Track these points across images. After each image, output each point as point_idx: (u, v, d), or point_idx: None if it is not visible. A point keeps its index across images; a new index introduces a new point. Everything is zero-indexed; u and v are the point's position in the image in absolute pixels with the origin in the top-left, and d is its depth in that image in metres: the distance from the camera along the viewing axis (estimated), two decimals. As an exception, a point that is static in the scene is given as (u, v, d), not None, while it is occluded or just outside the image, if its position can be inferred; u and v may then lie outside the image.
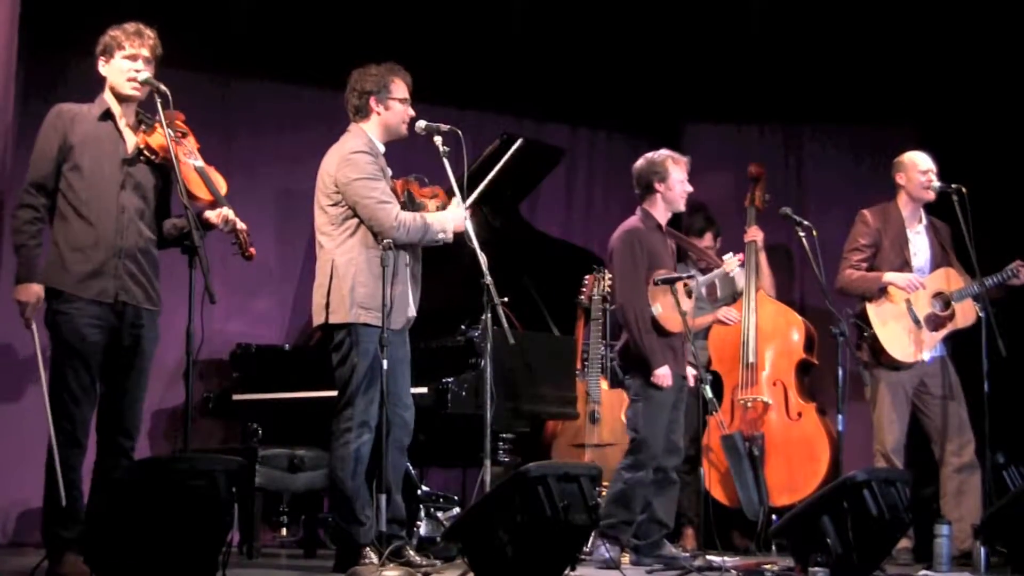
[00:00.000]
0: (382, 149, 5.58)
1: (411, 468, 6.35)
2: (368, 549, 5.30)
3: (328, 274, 5.42)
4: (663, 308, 6.05)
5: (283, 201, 7.62)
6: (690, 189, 6.28)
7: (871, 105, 8.03)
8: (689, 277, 6.40)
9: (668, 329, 6.07)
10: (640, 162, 6.27)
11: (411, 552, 5.44)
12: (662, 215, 6.25)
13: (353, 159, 5.43)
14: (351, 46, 7.33)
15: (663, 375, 5.99)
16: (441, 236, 5.45)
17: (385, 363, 5.19)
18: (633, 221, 6.23)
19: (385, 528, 5.22)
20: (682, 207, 6.34)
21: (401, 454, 5.53)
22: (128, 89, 4.93)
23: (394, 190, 5.54)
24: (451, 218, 5.48)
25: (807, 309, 7.75)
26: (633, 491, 6.00)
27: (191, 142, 5.04)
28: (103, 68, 4.96)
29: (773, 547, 6.41)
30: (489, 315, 5.31)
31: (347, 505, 5.35)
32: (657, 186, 6.19)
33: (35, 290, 4.78)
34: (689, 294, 6.24)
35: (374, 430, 5.34)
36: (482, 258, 5.27)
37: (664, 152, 6.27)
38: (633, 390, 6.09)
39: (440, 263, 5.80)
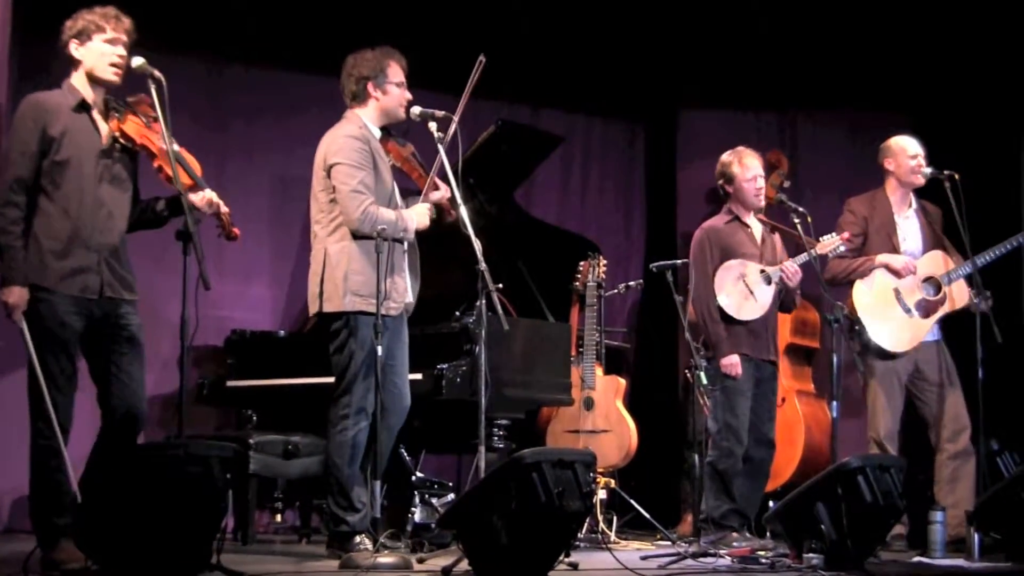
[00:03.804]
0: (378, 134, 5.58)
1: (405, 454, 6.37)
2: (363, 536, 5.31)
3: (321, 262, 5.45)
4: (729, 297, 6.28)
5: (278, 187, 7.61)
6: (762, 184, 6.50)
7: (865, 91, 8.03)
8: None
9: (738, 317, 6.29)
10: (717, 167, 6.53)
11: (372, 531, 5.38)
12: (741, 211, 6.49)
13: (342, 143, 5.45)
14: (345, 32, 7.30)
15: (729, 364, 6.25)
16: (403, 234, 5.43)
17: (380, 350, 5.20)
18: (712, 219, 6.56)
19: (379, 515, 5.24)
20: (756, 202, 6.50)
21: (390, 439, 5.53)
22: (109, 74, 4.88)
23: (396, 167, 5.58)
24: (414, 215, 5.50)
25: (804, 295, 7.75)
26: (730, 478, 6.23)
27: (162, 127, 4.97)
28: (77, 51, 4.88)
29: (767, 533, 6.42)
30: (484, 301, 5.31)
31: (343, 492, 5.36)
32: (728, 188, 6.48)
33: (22, 293, 4.72)
34: (768, 281, 6.34)
35: (371, 417, 5.36)
36: (477, 244, 5.26)
37: (733, 153, 6.49)
38: (711, 380, 6.23)
39: (435, 250, 5.79)
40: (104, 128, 4.92)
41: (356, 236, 5.39)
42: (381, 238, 5.25)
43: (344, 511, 5.38)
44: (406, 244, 5.50)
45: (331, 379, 5.48)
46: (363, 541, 5.28)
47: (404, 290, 5.49)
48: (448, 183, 5.46)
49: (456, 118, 5.55)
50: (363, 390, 5.36)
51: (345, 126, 5.53)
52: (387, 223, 5.35)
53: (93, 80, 4.91)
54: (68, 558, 4.66)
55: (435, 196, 5.62)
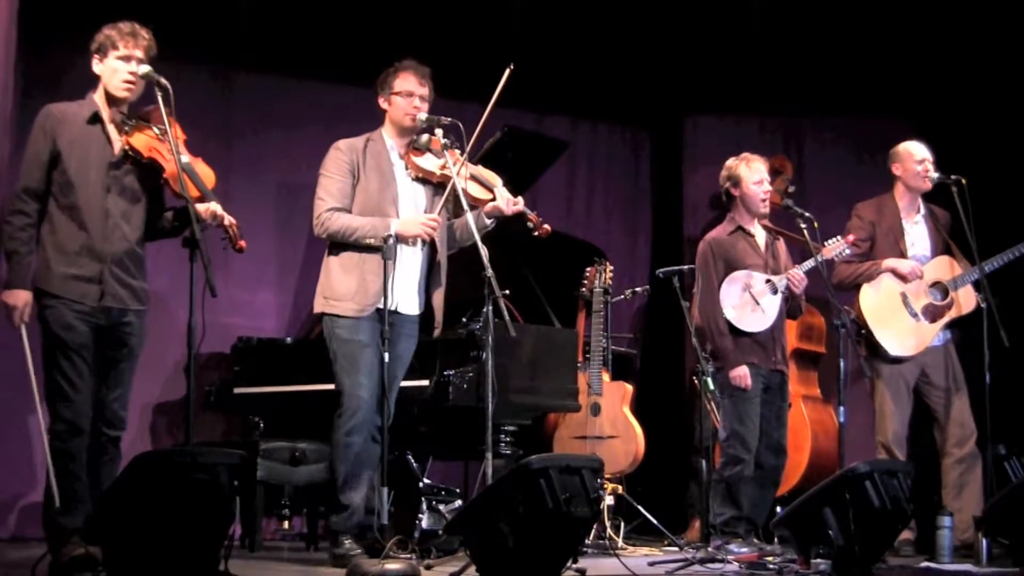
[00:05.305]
0: (392, 143, 5.62)
1: (412, 461, 6.37)
2: (348, 538, 5.36)
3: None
4: (736, 309, 6.25)
5: (284, 195, 7.62)
6: (768, 188, 6.43)
7: (870, 97, 8.03)
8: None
9: (745, 329, 6.26)
10: (722, 172, 6.45)
11: (380, 542, 5.34)
12: (745, 219, 6.43)
13: (326, 155, 5.57)
14: (353, 40, 7.34)
15: (738, 375, 6.20)
16: (370, 240, 5.40)
17: (387, 356, 5.24)
18: (715, 230, 6.49)
19: (387, 521, 5.25)
20: (761, 208, 6.42)
21: (372, 441, 5.55)
22: (120, 91, 4.94)
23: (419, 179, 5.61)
24: (394, 224, 5.45)
25: (810, 300, 7.75)
26: (736, 486, 6.18)
27: (177, 134, 4.99)
28: (97, 67, 4.97)
29: (775, 539, 6.41)
30: (490, 308, 5.32)
31: (333, 490, 5.44)
32: (734, 192, 6.41)
33: (24, 296, 4.80)
34: (774, 291, 6.31)
35: (366, 415, 5.40)
36: (483, 251, 5.28)
37: (739, 158, 6.44)
38: (719, 389, 6.26)
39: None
40: (117, 140, 4.96)
41: (333, 243, 5.50)
42: (388, 244, 5.29)
43: (333, 510, 5.46)
44: (394, 251, 5.42)
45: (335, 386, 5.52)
46: (343, 542, 5.36)
47: (375, 293, 5.43)
48: (455, 189, 5.47)
49: (480, 126, 5.55)
50: (351, 389, 5.41)
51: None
52: (346, 229, 5.42)
53: (109, 96, 4.96)
54: (73, 548, 4.69)
55: (489, 207, 5.61)
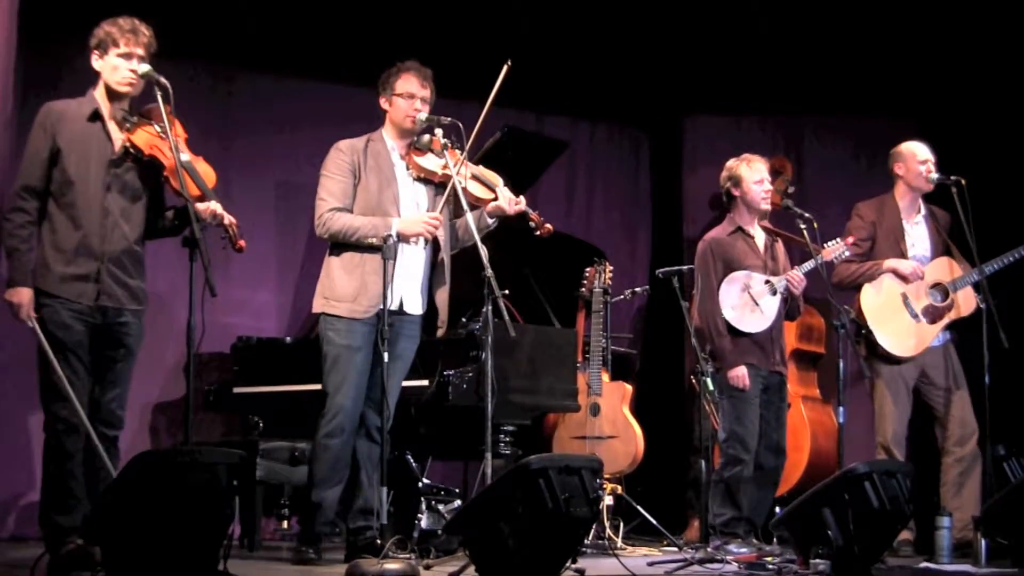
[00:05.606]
0: (393, 144, 5.62)
1: (412, 461, 6.37)
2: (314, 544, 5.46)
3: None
4: (735, 309, 6.25)
5: (284, 194, 7.62)
6: (769, 188, 6.44)
7: (871, 97, 8.03)
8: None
9: (743, 329, 6.25)
10: (723, 172, 6.45)
11: (379, 542, 5.35)
12: (745, 219, 6.43)
13: (327, 155, 5.57)
14: (353, 40, 7.33)
15: (736, 376, 6.20)
16: (372, 240, 5.40)
17: (386, 356, 5.24)
18: (714, 230, 6.48)
19: (386, 521, 5.25)
20: (763, 207, 6.43)
21: (371, 441, 5.57)
22: (122, 87, 4.94)
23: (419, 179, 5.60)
24: (395, 224, 5.45)
25: (809, 301, 7.75)
26: (736, 487, 6.19)
27: (178, 132, 4.98)
28: (96, 63, 4.96)
29: (774, 539, 6.42)
30: (490, 308, 5.32)
31: (308, 490, 5.48)
32: (734, 192, 6.40)
33: (27, 293, 4.80)
34: (773, 291, 6.30)
35: (351, 419, 5.43)
36: (483, 251, 5.28)
37: (739, 158, 6.44)
38: (719, 389, 6.26)
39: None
40: (118, 138, 4.95)
41: (334, 243, 5.51)
42: (388, 244, 5.29)
43: (304, 506, 5.53)
44: (395, 250, 5.43)
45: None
46: (307, 550, 5.45)
47: (377, 295, 5.42)
48: (456, 189, 5.47)
49: (479, 123, 5.54)
50: (334, 392, 5.42)
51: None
52: (347, 229, 5.43)
53: (110, 92, 4.96)
54: (70, 545, 4.70)
55: (491, 207, 5.60)
